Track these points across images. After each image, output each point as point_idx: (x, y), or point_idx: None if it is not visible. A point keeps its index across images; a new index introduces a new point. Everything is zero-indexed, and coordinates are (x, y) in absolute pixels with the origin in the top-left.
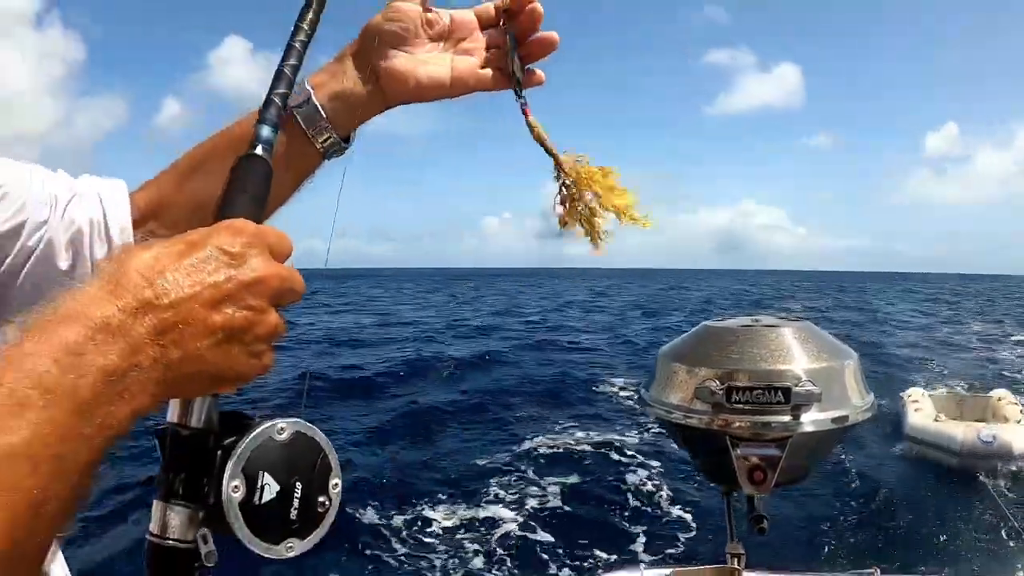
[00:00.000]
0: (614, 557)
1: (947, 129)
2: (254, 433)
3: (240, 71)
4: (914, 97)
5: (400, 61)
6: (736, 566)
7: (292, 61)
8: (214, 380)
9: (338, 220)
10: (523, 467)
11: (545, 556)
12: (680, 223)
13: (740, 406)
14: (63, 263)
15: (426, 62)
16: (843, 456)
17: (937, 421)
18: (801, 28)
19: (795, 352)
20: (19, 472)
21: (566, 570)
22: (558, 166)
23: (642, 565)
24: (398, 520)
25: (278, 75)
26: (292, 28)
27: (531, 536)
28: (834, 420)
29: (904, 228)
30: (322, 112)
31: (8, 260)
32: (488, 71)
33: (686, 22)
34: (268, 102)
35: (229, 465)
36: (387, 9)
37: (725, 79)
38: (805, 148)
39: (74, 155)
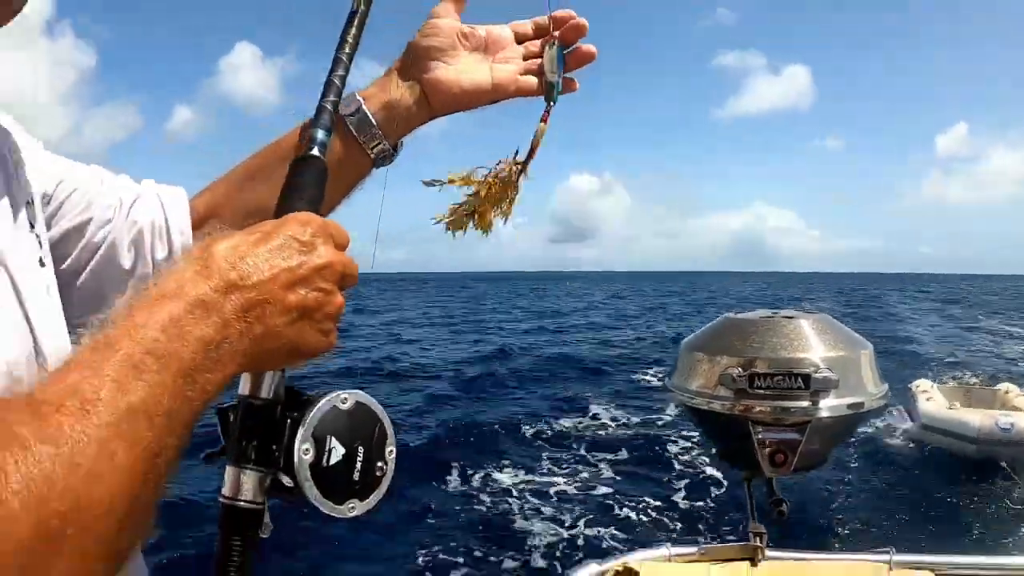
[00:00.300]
0: (646, 522)
1: (956, 129)
2: (321, 401)
3: (250, 77)
4: (923, 97)
5: (441, 72)
6: (759, 544)
7: (340, 72)
8: (290, 354)
9: (349, 225)
10: (570, 443)
11: (597, 512)
12: (690, 226)
13: (761, 392)
14: (126, 262)
15: (467, 71)
16: (858, 443)
17: (951, 409)
18: (810, 29)
19: (813, 341)
20: (139, 427)
21: (613, 520)
22: (524, 167)
23: (668, 544)
24: (476, 480)
25: (328, 84)
26: (338, 41)
27: (584, 494)
28: (850, 406)
29: (914, 229)
30: (372, 120)
31: (72, 256)
32: (528, 78)
33: (694, 25)
34: (320, 109)
35: (301, 429)
36: (424, 26)
37: (734, 81)
38: (815, 150)
39: (88, 162)
